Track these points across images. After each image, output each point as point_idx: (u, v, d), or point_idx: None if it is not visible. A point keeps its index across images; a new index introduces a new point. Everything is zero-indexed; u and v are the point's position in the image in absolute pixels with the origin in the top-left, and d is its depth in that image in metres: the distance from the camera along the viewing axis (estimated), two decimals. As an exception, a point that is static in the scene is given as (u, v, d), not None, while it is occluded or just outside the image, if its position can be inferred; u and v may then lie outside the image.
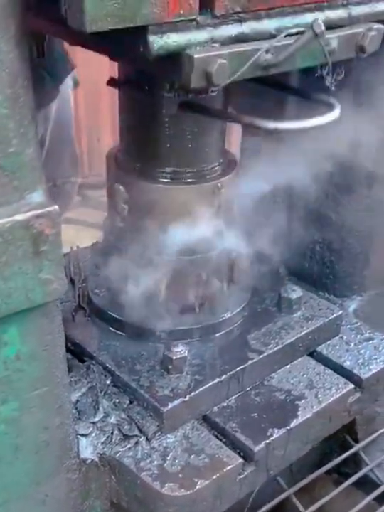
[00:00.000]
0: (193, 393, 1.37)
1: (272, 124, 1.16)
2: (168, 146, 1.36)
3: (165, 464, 1.30)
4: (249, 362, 1.47)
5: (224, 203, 1.44)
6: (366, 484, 1.73)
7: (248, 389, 1.49)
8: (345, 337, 1.67)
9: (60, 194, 2.55)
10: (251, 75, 1.08)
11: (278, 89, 1.38)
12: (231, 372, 1.43)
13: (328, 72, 1.17)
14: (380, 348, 1.63)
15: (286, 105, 1.48)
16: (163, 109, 1.29)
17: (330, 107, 1.25)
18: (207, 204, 1.41)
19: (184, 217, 1.39)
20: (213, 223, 1.42)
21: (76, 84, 2.65)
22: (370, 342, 1.66)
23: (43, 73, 2.25)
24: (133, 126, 1.42)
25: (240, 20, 1.06)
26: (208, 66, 1.01)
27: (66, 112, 2.59)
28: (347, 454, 1.71)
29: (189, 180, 1.40)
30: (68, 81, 2.51)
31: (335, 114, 1.23)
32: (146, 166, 1.40)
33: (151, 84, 1.28)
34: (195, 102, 1.23)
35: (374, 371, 1.57)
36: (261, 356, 1.49)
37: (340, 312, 1.66)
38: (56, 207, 1.00)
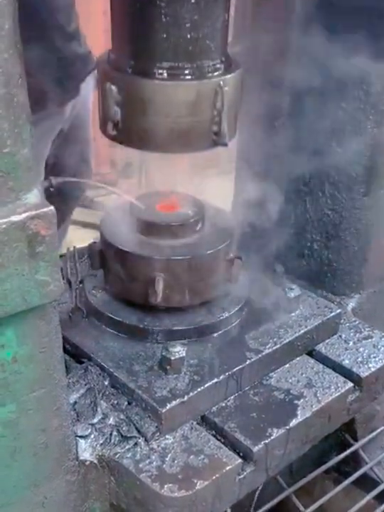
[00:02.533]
0: (191, 393, 1.37)
1: None
2: (164, 36, 1.26)
3: (164, 465, 1.29)
4: (248, 361, 1.46)
5: (227, 104, 1.33)
6: (366, 482, 1.73)
7: (247, 389, 1.48)
8: (343, 335, 1.67)
9: (66, 195, 2.54)
10: None
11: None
12: (229, 372, 1.43)
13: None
14: (379, 346, 1.63)
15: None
16: None
17: None
18: (208, 104, 1.32)
19: (182, 119, 1.31)
20: (214, 127, 1.33)
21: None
22: (369, 340, 1.65)
23: (59, 73, 2.27)
24: (125, 14, 1.29)
25: None
26: None
27: (84, 111, 2.61)
28: (346, 452, 1.71)
29: (188, 76, 1.30)
30: (90, 80, 2.53)
31: None
32: (141, 61, 1.29)
33: None
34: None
35: (373, 369, 1.57)
36: (259, 356, 1.48)
37: (339, 310, 1.66)
38: (52, 207, 0.99)
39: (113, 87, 1.31)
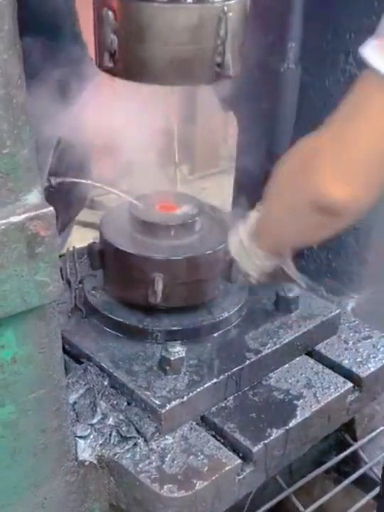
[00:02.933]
0: (190, 394, 1.37)
1: None
2: None
3: (163, 466, 1.29)
4: (247, 362, 1.46)
5: (231, 32, 1.24)
6: (365, 482, 1.74)
7: (246, 389, 1.48)
8: (343, 336, 1.67)
9: (69, 201, 2.53)
10: None
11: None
12: (229, 373, 1.43)
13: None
14: (379, 346, 1.63)
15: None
16: None
17: None
18: (211, 31, 1.23)
19: (183, 47, 1.23)
20: (218, 57, 1.25)
21: None
22: (369, 340, 1.65)
23: (59, 76, 2.26)
24: None
25: None
26: None
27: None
28: (346, 452, 1.71)
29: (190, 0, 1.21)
30: (90, 86, 2.51)
31: None
32: None
33: None
34: None
35: (372, 369, 1.56)
36: (259, 356, 1.48)
37: (338, 311, 1.66)
38: (51, 208, 0.99)
39: (109, 13, 1.22)
